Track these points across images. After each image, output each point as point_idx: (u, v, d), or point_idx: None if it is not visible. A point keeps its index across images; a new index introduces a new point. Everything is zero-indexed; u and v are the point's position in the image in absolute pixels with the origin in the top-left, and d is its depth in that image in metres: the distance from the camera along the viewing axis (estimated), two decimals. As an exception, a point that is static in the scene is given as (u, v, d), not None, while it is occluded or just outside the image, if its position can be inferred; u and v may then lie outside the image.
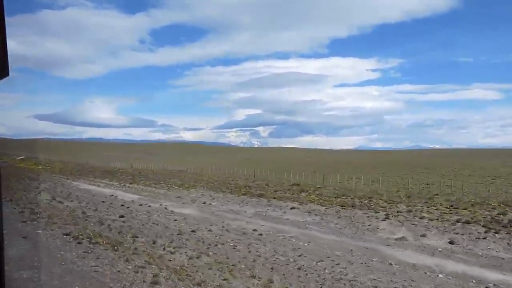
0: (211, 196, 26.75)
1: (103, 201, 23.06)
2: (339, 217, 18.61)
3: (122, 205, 21.58)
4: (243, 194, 26.95)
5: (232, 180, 39.16)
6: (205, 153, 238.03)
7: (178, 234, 14.42)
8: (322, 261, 11.64)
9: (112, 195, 26.24)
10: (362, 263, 11.61)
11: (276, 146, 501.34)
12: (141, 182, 36.43)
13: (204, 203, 23.51)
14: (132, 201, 23.92)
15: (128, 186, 33.10)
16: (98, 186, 33.36)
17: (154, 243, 12.76)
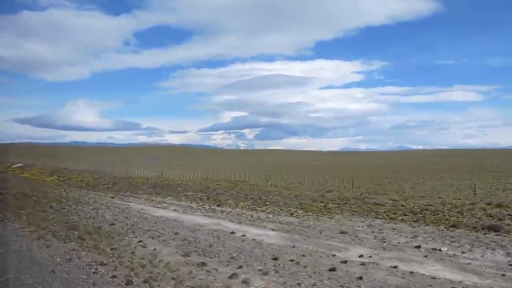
0: (381, 228, 16.68)
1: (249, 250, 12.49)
2: None
3: (297, 263, 11.09)
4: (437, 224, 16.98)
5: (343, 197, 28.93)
6: (212, 156, 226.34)
7: None
8: None
9: (243, 235, 15.55)
10: None
11: (262, 148, 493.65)
12: (229, 202, 25.78)
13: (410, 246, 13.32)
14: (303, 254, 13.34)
15: (221, 211, 22.44)
16: (175, 211, 22.61)
17: None
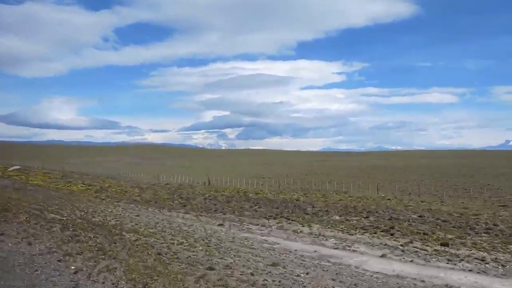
0: None
1: None
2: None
3: None
4: None
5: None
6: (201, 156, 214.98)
7: None
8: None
9: None
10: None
11: (243, 148, 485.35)
12: (342, 226, 16.55)
13: None
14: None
15: (455, 255, 13.22)
16: (377, 257, 13.23)
17: None
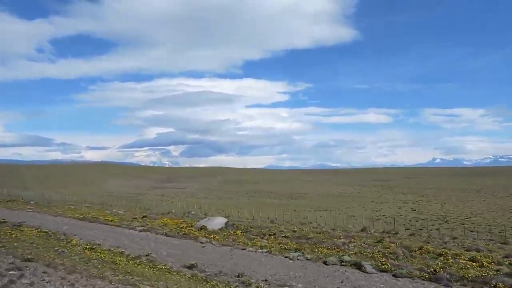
0: None
1: None
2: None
3: None
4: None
5: None
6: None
7: None
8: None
9: None
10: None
11: (187, 166, 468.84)
12: None
13: None
14: None
15: None
16: None
17: None
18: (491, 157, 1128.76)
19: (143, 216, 23.36)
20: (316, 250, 14.11)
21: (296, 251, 13.33)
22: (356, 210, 53.82)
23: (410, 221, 33.07)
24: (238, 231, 18.21)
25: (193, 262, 11.61)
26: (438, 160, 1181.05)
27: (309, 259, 12.51)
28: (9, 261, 10.43)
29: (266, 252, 13.43)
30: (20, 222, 18.75)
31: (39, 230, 16.69)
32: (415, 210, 53.92)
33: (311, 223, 28.05)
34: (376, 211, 53.20)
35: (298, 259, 12.46)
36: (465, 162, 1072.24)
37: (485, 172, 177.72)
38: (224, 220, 19.54)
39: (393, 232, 23.11)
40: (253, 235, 17.73)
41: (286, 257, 12.75)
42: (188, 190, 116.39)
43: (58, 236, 15.66)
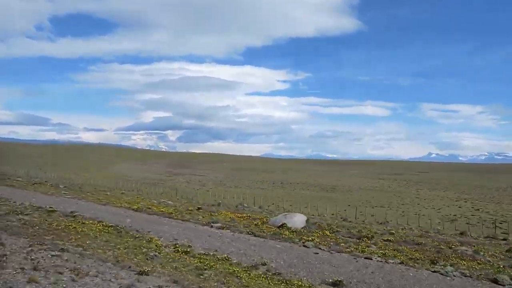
0: None
1: None
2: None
3: None
4: None
5: None
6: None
7: None
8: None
9: None
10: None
11: (184, 151, 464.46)
12: None
13: None
14: None
15: None
16: None
17: None
18: (486, 154, 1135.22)
19: (198, 208, 20.85)
20: (456, 262, 11.73)
21: (445, 266, 10.93)
22: (413, 208, 50.51)
23: (492, 222, 29.69)
24: (326, 231, 15.80)
25: (337, 278, 9.20)
26: (433, 155, 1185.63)
27: (467, 276, 10.15)
28: (121, 275, 7.93)
29: (400, 263, 11.05)
30: (71, 212, 16.21)
31: (103, 223, 14.17)
32: (478, 209, 50.22)
33: (387, 222, 25.58)
34: (438, 209, 49.62)
35: (454, 276, 10.09)
36: (460, 158, 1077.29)
37: (495, 169, 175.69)
38: (304, 217, 17.10)
39: (500, 237, 20.43)
40: (345, 236, 15.34)
41: (435, 271, 10.38)
42: (210, 177, 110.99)
43: (131, 233, 13.15)
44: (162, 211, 18.56)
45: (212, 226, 15.25)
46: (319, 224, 17.19)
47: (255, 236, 14.04)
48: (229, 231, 14.79)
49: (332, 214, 29.31)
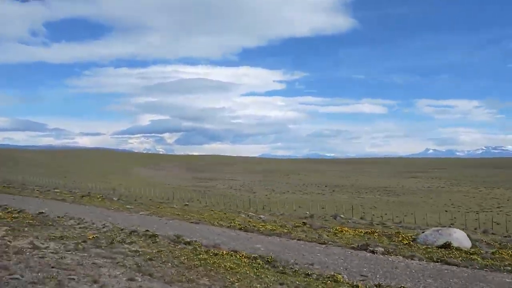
0: None
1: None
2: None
3: None
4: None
5: None
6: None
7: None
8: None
9: None
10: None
11: (182, 153, 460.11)
12: None
13: None
14: None
15: None
16: None
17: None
18: (483, 148, 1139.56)
19: (303, 223, 17.33)
20: None
21: None
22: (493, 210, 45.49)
23: None
24: (506, 250, 12.37)
25: None
26: (431, 151, 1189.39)
27: None
28: None
29: None
30: (177, 236, 12.63)
31: (240, 254, 10.63)
32: None
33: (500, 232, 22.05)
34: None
35: None
36: (457, 153, 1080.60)
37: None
38: (463, 233, 13.67)
39: None
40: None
41: None
42: (243, 181, 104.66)
43: (289, 268, 9.64)
44: (274, 229, 15.03)
45: (369, 250, 11.76)
46: (486, 242, 13.77)
47: (426, 261, 10.62)
48: (393, 256, 11.34)
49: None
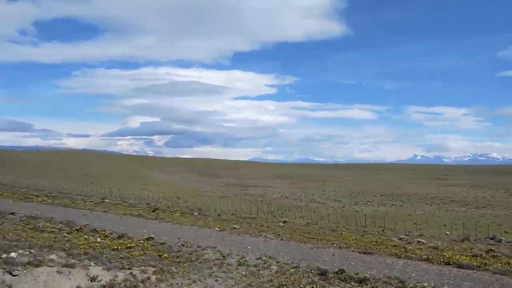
0: None
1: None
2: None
3: None
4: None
5: None
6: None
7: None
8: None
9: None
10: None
11: (170, 156, 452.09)
12: None
13: None
14: None
15: None
16: None
17: None
18: (470, 155, 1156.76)
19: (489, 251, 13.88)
20: None
21: None
22: None
23: None
24: None
25: None
26: (419, 157, 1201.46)
27: None
28: None
29: None
30: (365, 278, 9.15)
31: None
32: None
33: None
34: None
35: None
36: (444, 160, 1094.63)
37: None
38: None
39: None
40: None
41: None
42: (284, 189, 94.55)
43: None
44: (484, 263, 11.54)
45: None
46: None
47: None
48: None
49: None
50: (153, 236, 13.09)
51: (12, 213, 16.44)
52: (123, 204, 23.60)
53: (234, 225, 16.87)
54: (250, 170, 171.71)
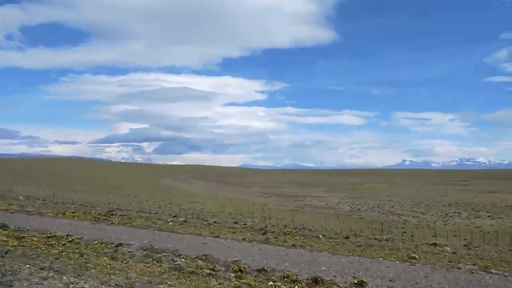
0: None
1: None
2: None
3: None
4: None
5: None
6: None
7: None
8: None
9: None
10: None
11: (160, 163, 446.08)
12: None
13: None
14: None
15: None
16: None
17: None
18: (457, 160, 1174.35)
19: None
20: None
21: None
22: None
23: None
24: None
25: None
26: (407, 162, 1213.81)
27: None
28: None
29: None
30: None
31: None
32: None
33: None
34: None
35: None
36: (432, 164, 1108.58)
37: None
38: None
39: None
40: None
41: None
42: (335, 199, 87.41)
43: None
44: None
45: None
46: None
47: None
48: None
49: None
50: (356, 280, 10.20)
51: (120, 244, 13.42)
52: (212, 224, 20.65)
53: (317, 245, 14.16)
54: (256, 177, 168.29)
